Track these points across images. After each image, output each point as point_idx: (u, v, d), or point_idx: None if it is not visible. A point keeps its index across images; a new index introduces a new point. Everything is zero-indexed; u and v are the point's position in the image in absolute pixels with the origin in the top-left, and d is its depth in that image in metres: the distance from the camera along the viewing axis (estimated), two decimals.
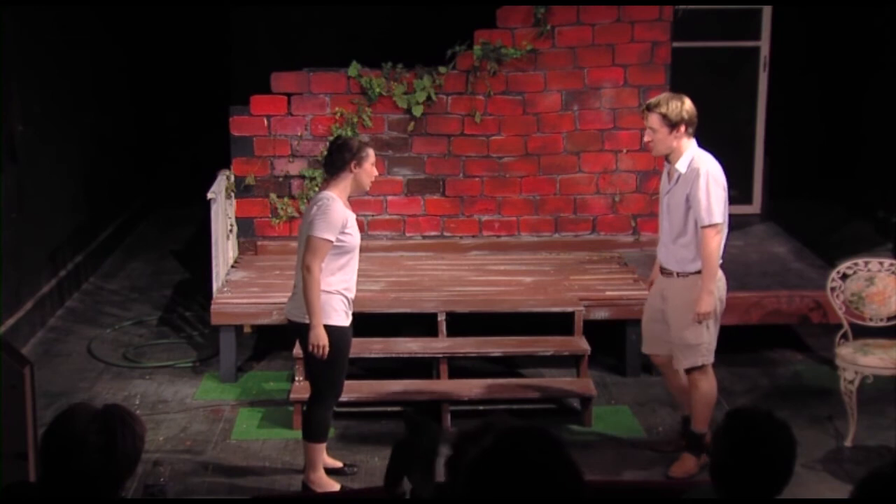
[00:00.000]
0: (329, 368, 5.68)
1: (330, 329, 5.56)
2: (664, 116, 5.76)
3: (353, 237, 5.62)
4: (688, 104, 5.81)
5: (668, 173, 5.93)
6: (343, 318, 5.65)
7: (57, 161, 8.84)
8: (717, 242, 5.75)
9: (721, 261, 5.88)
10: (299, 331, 5.71)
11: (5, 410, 4.49)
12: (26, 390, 4.61)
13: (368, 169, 5.66)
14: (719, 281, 5.90)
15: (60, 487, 2.98)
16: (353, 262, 5.68)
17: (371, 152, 5.68)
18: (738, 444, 3.28)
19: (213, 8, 10.85)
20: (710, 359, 5.97)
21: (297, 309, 5.64)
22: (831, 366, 6.75)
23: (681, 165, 5.79)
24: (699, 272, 5.81)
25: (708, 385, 5.99)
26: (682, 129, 5.76)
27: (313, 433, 5.79)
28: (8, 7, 7.67)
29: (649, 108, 5.82)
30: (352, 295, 5.71)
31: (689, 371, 6.00)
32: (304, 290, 5.52)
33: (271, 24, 10.06)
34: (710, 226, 5.71)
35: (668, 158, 5.88)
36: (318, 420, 5.77)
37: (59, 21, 8.90)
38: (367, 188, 5.81)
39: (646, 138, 5.92)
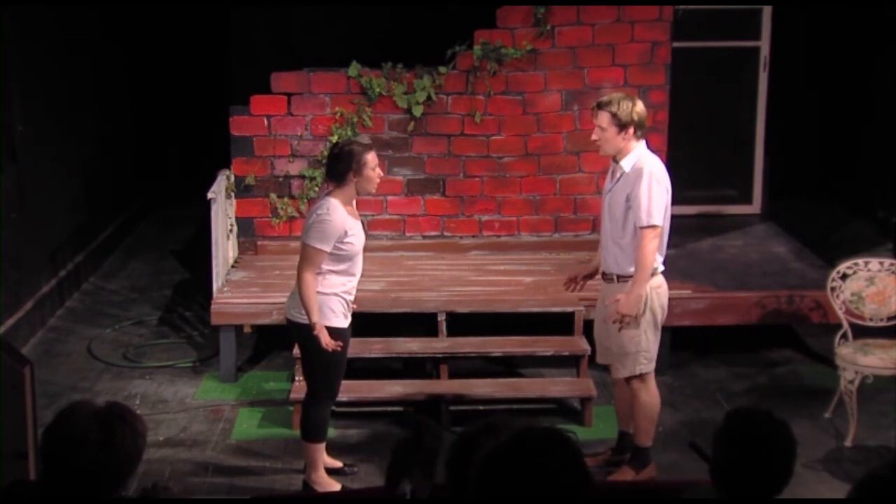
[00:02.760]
0: (326, 369, 5.67)
1: (327, 330, 5.56)
2: (614, 116, 5.63)
3: (355, 245, 5.58)
4: (639, 106, 5.68)
5: (612, 172, 5.81)
6: (341, 320, 5.64)
7: (57, 161, 8.84)
8: (653, 245, 5.60)
9: (663, 268, 5.76)
10: (296, 330, 5.70)
11: (5, 410, 4.49)
12: (26, 390, 4.62)
13: (369, 175, 5.57)
14: (659, 288, 5.75)
15: (61, 486, 2.98)
16: (354, 266, 5.65)
17: (370, 157, 5.57)
18: (738, 443, 3.28)
19: (213, 8, 10.85)
20: (650, 367, 5.84)
21: (295, 308, 5.63)
22: (831, 366, 6.75)
23: (626, 164, 5.69)
24: (632, 275, 5.68)
25: (649, 396, 5.87)
26: (631, 131, 5.64)
27: (312, 433, 5.79)
28: (8, 7, 7.68)
29: (600, 106, 5.69)
30: (351, 297, 5.70)
31: (628, 381, 5.88)
32: (300, 295, 5.52)
33: (271, 24, 10.05)
34: (648, 227, 5.57)
35: (615, 158, 5.77)
36: (316, 420, 5.77)
37: (60, 21, 8.90)
38: (373, 191, 5.76)
39: (593, 136, 5.77)
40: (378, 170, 5.64)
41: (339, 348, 5.56)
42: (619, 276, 5.77)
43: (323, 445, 5.87)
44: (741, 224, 9.25)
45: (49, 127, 8.62)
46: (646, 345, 5.77)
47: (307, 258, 5.52)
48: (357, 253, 5.63)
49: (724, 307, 7.47)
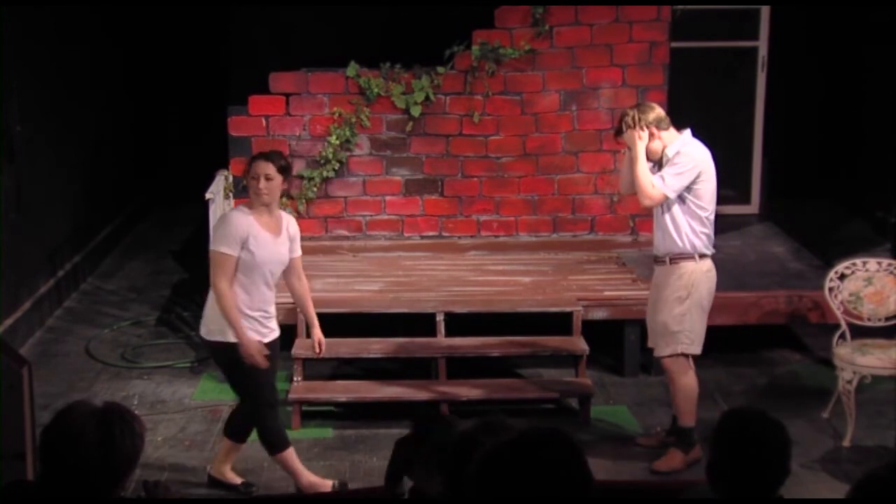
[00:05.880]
0: (248, 382, 5.58)
1: (228, 346, 5.46)
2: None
3: (255, 255, 5.41)
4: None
5: None
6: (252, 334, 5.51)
7: (56, 161, 8.84)
8: (654, 190, 5.80)
9: (711, 251, 5.94)
10: (211, 350, 5.69)
11: (4, 411, 4.49)
12: (24, 391, 4.62)
13: (250, 183, 5.50)
14: (709, 272, 5.94)
15: (59, 486, 2.98)
16: (253, 285, 5.47)
17: (254, 165, 5.50)
18: (733, 443, 3.30)
19: (212, 8, 10.85)
20: (693, 349, 5.99)
21: (204, 327, 5.62)
22: (829, 366, 6.76)
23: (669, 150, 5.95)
24: (682, 256, 5.89)
25: (686, 378, 6.02)
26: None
27: (274, 445, 5.74)
28: (7, 7, 7.67)
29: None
30: (258, 314, 5.52)
31: (666, 363, 6.03)
32: (218, 306, 5.44)
33: (270, 24, 10.05)
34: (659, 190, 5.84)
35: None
36: (272, 430, 5.72)
37: (59, 21, 8.90)
38: (263, 202, 5.50)
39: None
40: (262, 181, 5.45)
41: (255, 360, 5.42)
42: (661, 257, 5.98)
43: (291, 451, 5.78)
44: (739, 224, 9.24)
45: (48, 127, 8.62)
46: (689, 325, 5.93)
47: (213, 263, 5.45)
48: (256, 266, 5.44)
49: (722, 307, 7.42)
